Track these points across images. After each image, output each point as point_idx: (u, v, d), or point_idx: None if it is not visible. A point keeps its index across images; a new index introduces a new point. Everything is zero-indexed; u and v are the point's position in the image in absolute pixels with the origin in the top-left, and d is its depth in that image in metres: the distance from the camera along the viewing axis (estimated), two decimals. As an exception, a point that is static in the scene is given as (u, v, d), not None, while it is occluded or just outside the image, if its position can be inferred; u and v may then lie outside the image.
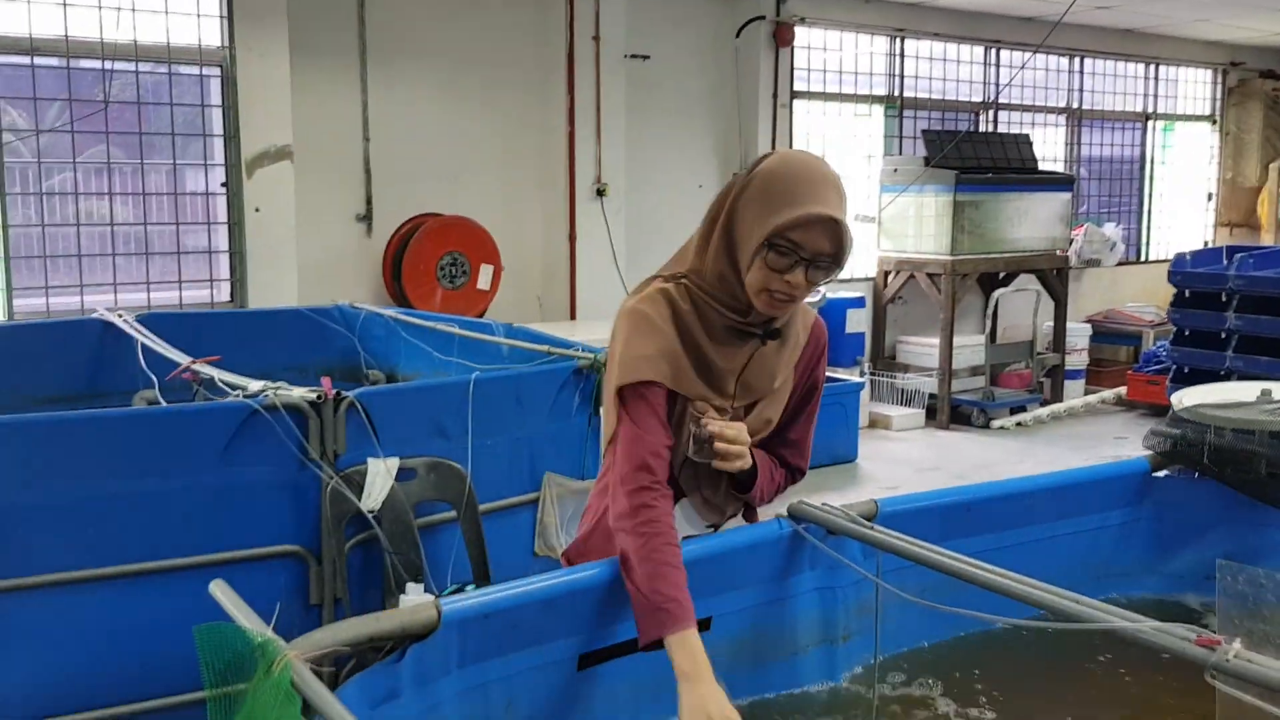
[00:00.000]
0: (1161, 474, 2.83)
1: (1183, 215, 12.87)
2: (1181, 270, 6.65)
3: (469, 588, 3.46)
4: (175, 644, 3.43)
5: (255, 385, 3.78)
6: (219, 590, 1.62)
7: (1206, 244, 12.92)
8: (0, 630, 3.16)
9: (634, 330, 2.05)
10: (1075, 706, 2.21)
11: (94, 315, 5.40)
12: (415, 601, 3.21)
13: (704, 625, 2.08)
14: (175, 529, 3.34)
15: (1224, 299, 6.43)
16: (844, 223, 1.96)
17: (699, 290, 2.06)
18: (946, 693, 2.23)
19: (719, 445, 2.03)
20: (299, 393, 3.49)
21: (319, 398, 3.46)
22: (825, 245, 1.95)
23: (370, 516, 3.48)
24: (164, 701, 3.32)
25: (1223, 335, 6.44)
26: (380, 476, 3.51)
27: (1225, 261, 6.76)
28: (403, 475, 3.58)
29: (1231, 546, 2.81)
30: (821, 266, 1.97)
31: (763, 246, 1.95)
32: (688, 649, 1.80)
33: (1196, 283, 6.53)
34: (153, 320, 5.28)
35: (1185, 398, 2.90)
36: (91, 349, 5.33)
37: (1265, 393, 2.88)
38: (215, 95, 6.25)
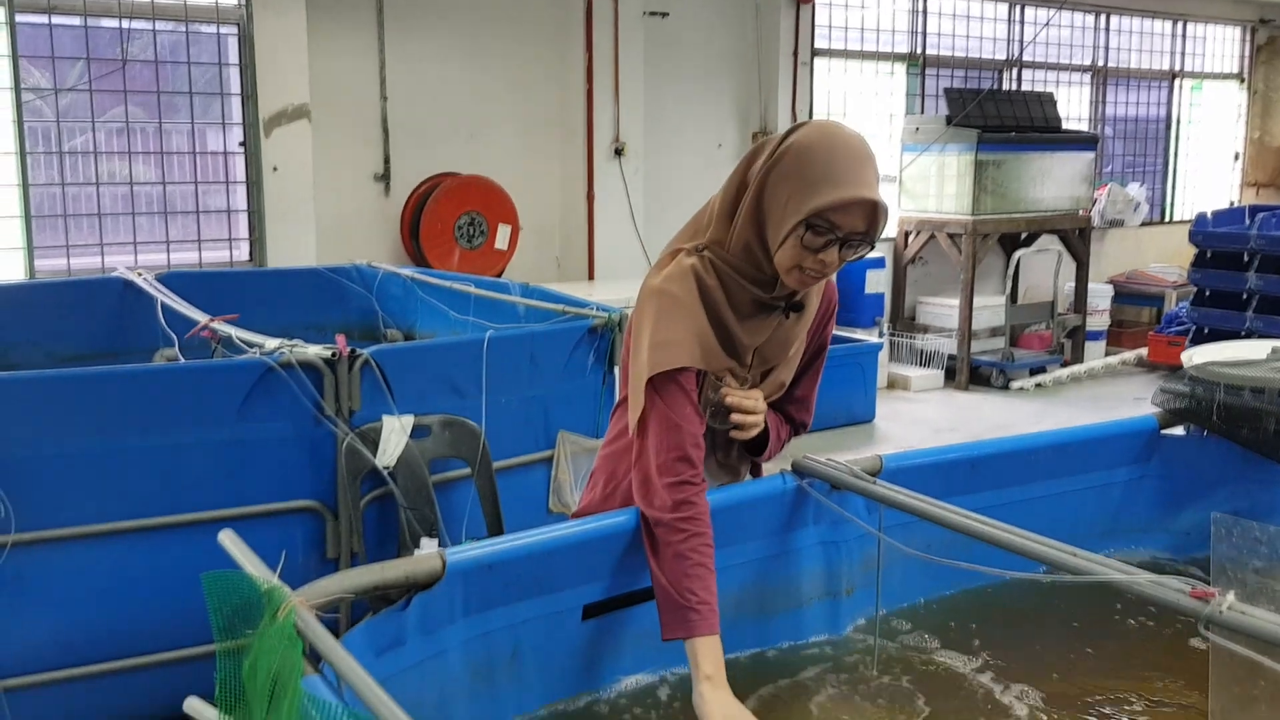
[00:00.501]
0: (1170, 432, 2.83)
1: (1209, 175, 12.72)
2: (1203, 230, 6.58)
3: (483, 543, 3.52)
4: (194, 597, 3.50)
5: (272, 343, 3.83)
6: (228, 540, 1.65)
7: (1232, 204, 12.78)
8: (23, 582, 3.24)
9: (663, 313, 2.00)
10: (1072, 659, 2.23)
11: (114, 274, 5.46)
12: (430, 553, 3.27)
13: (708, 578, 2.10)
14: (193, 484, 3.40)
15: (1245, 259, 6.37)
16: (882, 203, 1.93)
17: (723, 264, 2.03)
18: (947, 645, 2.25)
19: (736, 417, 2.06)
20: (314, 350, 3.53)
21: (334, 355, 3.50)
22: (861, 224, 1.93)
23: (385, 473, 3.53)
24: (183, 653, 3.39)
25: (1244, 296, 6.39)
26: (395, 433, 3.56)
27: (1247, 221, 6.69)
28: (417, 432, 3.62)
29: (1240, 504, 2.81)
30: (855, 245, 1.94)
31: (799, 225, 1.91)
32: (713, 655, 1.82)
33: (1218, 243, 6.47)
34: (172, 279, 5.34)
35: (1196, 355, 2.90)
36: (112, 308, 5.39)
37: (1276, 351, 2.87)
38: (232, 54, 6.27)
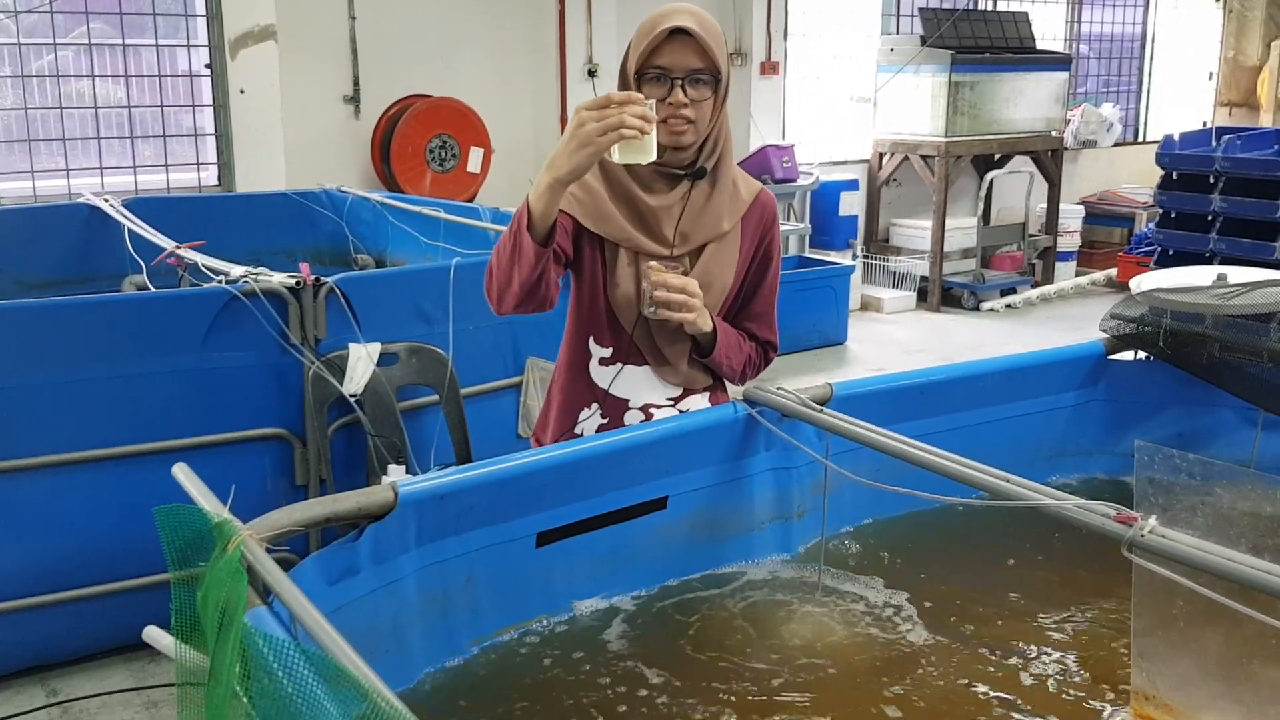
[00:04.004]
0: (1117, 357, 2.89)
1: (1183, 95, 12.69)
2: (1170, 152, 6.61)
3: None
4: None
5: (237, 271, 3.83)
6: (181, 473, 1.70)
7: (1205, 124, 12.77)
8: (-12, 511, 3.29)
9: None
10: (1010, 580, 2.32)
11: (81, 200, 5.43)
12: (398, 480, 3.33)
13: (661, 504, 2.17)
14: (159, 413, 3.44)
15: (1211, 181, 6.40)
16: (697, 31, 2.03)
17: None
18: (889, 567, 2.34)
19: (658, 294, 2.08)
20: (278, 278, 3.55)
21: (298, 283, 3.52)
22: (693, 60, 2.04)
23: (352, 400, 3.57)
24: (147, 580, 3.45)
25: (1208, 218, 6.44)
26: (362, 361, 3.59)
27: (1214, 143, 6.72)
28: (384, 360, 3.66)
29: (1184, 427, 2.89)
30: (701, 81, 2.05)
31: (638, 80, 2.05)
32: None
33: (1184, 164, 6.50)
34: (139, 205, 5.31)
35: (1144, 282, 2.95)
36: (79, 234, 5.37)
37: (1221, 277, 2.93)
38: (195, -27, 6.16)
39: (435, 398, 3.82)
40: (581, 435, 2.25)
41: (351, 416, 3.66)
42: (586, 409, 2.27)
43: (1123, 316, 2.90)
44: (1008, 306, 9.20)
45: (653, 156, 1.96)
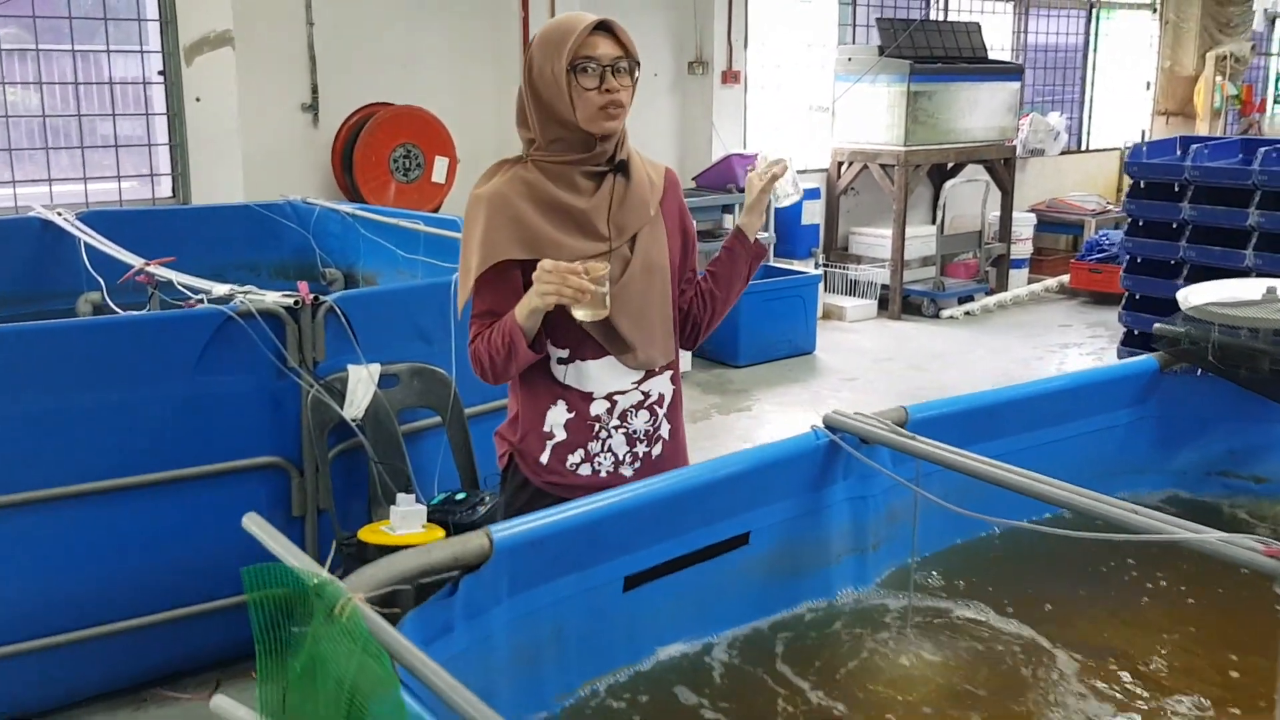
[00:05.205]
0: (1168, 372, 2.82)
1: (1121, 105, 12.89)
2: (1137, 161, 6.62)
3: (459, 495, 3.39)
4: (154, 562, 3.34)
5: (220, 289, 3.62)
6: (253, 524, 1.52)
7: (1144, 133, 12.98)
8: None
9: (479, 216, 2.25)
10: (1103, 609, 2.22)
11: (31, 213, 5.14)
12: (407, 509, 3.14)
13: (743, 539, 2.03)
14: (149, 443, 3.22)
15: (1177, 190, 6.43)
16: (616, 24, 2.24)
17: (542, 158, 2.27)
18: (976, 596, 2.22)
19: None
20: (274, 297, 3.34)
21: (297, 303, 3.31)
22: (614, 49, 2.22)
23: (354, 425, 3.37)
24: (144, 620, 3.23)
25: (1174, 225, 6.46)
26: (362, 383, 3.40)
27: (1178, 152, 6.75)
28: (385, 382, 3.47)
29: (1236, 444, 2.83)
30: (624, 69, 2.23)
31: (570, 76, 2.18)
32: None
33: (1152, 173, 6.51)
34: (94, 218, 5.04)
35: (1192, 296, 2.88)
36: (30, 249, 5.08)
37: (1270, 290, 2.87)
38: (147, -24, 5.88)
39: (436, 420, 3.63)
40: (550, 432, 2.30)
41: (349, 443, 3.47)
42: (553, 406, 2.31)
43: (1170, 331, 2.83)
44: (966, 314, 9.22)
45: (607, 312, 2.14)
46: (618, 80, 2.22)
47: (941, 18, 10.16)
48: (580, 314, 2.13)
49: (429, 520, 3.20)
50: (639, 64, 2.27)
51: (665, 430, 2.33)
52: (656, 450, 2.30)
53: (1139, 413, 2.79)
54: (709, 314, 2.46)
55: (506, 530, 1.65)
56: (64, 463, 3.11)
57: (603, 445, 2.27)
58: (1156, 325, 2.90)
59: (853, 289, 9.14)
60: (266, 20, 6.38)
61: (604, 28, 2.22)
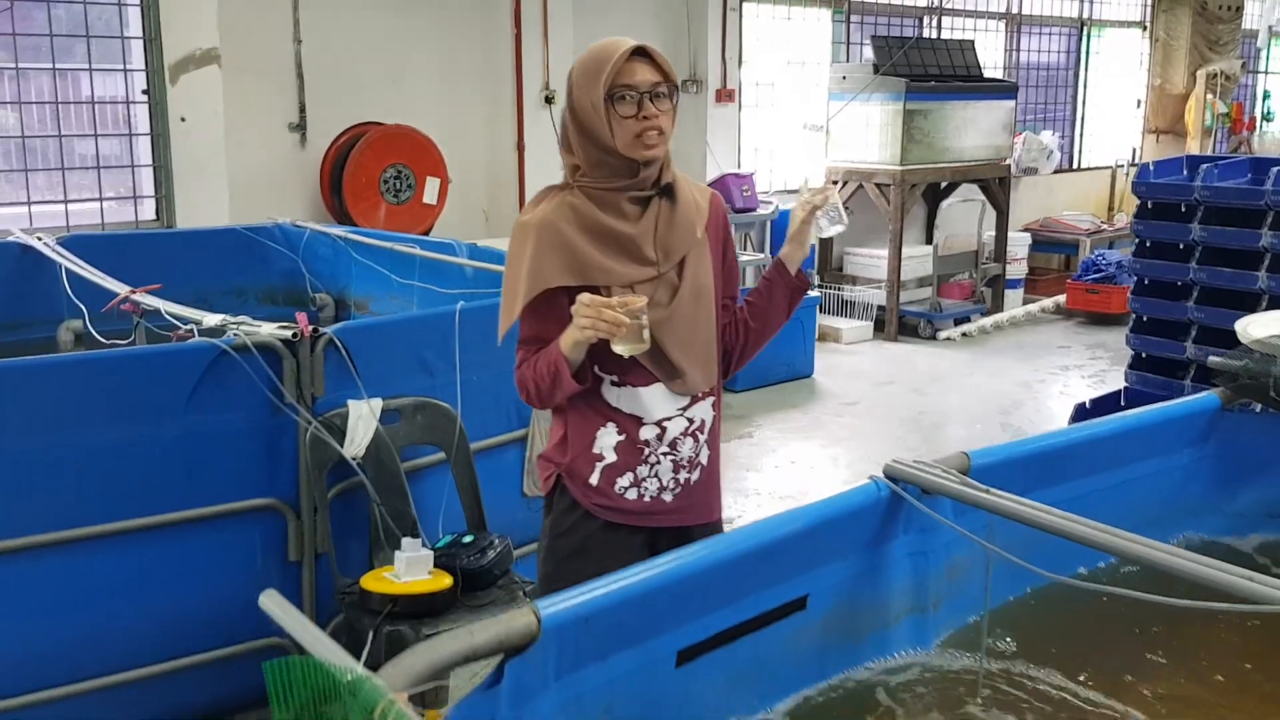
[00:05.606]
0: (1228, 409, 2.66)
1: (1112, 123, 12.84)
2: (1145, 181, 6.49)
3: (466, 538, 3.20)
4: (141, 613, 3.13)
5: (212, 319, 3.43)
6: (271, 602, 1.33)
7: (1135, 151, 12.94)
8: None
9: (526, 243, 2.26)
10: (1177, 669, 2.05)
11: (10, 238, 4.93)
12: (412, 555, 2.95)
13: (800, 604, 1.85)
14: (137, 486, 3.02)
15: (1184, 210, 6.30)
16: (649, 47, 2.23)
17: (588, 184, 2.26)
18: (1045, 658, 2.05)
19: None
20: (270, 329, 3.15)
21: (295, 336, 3.12)
22: (651, 75, 2.21)
23: (354, 464, 3.18)
24: (133, 674, 3.02)
25: (1181, 247, 6.33)
26: (363, 420, 3.21)
27: (1185, 172, 6.63)
28: (387, 418, 3.28)
29: (1297, 484, 2.67)
30: (663, 94, 2.22)
31: (608, 105, 2.17)
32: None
33: (1160, 194, 6.38)
34: (75, 242, 4.84)
35: (1252, 327, 2.73)
36: (9, 274, 4.88)
37: (1333, 321, 2.72)
38: (130, -8, 5.69)
39: (440, 456, 3.44)
40: (600, 454, 2.31)
41: (349, 482, 3.27)
42: (603, 427, 2.32)
43: (1229, 366, 2.67)
44: (964, 335, 9.09)
45: (646, 346, 2.12)
46: (656, 105, 2.21)
47: (934, 36, 10.07)
48: (619, 348, 2.12)
49: (435, 565, 3.02)
50: (678, 88, 2.27)
51: (705, 456, 2.37)
52: (695, 476, 2.34)
53: (1199, 452, 2.63)
54: (741, 345, 2.46)
55: (554, 606, 1.47)
56: (48, 508, 2.90)
57: (650, 470, 2.30)
58: (1213, 359, 2.74)
59: (849, 310, 9.00)
60: (253, 38, 6.20)
61: (641, 53, 2.22)
